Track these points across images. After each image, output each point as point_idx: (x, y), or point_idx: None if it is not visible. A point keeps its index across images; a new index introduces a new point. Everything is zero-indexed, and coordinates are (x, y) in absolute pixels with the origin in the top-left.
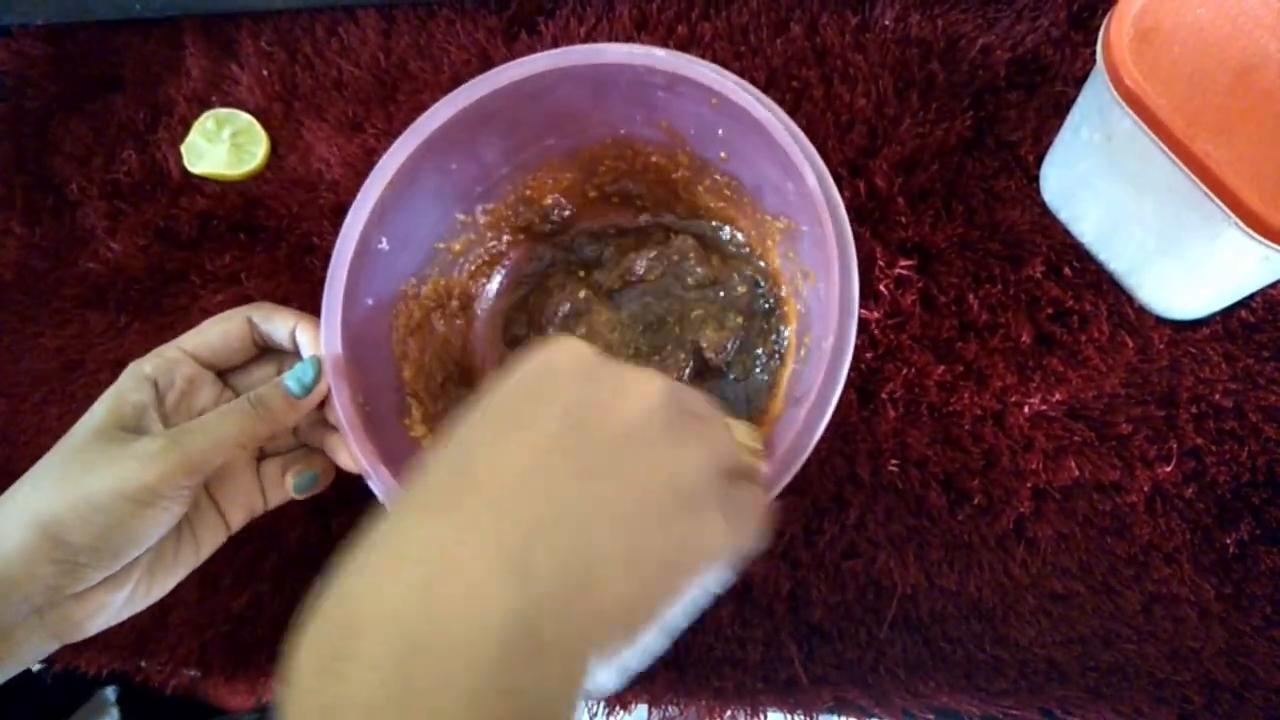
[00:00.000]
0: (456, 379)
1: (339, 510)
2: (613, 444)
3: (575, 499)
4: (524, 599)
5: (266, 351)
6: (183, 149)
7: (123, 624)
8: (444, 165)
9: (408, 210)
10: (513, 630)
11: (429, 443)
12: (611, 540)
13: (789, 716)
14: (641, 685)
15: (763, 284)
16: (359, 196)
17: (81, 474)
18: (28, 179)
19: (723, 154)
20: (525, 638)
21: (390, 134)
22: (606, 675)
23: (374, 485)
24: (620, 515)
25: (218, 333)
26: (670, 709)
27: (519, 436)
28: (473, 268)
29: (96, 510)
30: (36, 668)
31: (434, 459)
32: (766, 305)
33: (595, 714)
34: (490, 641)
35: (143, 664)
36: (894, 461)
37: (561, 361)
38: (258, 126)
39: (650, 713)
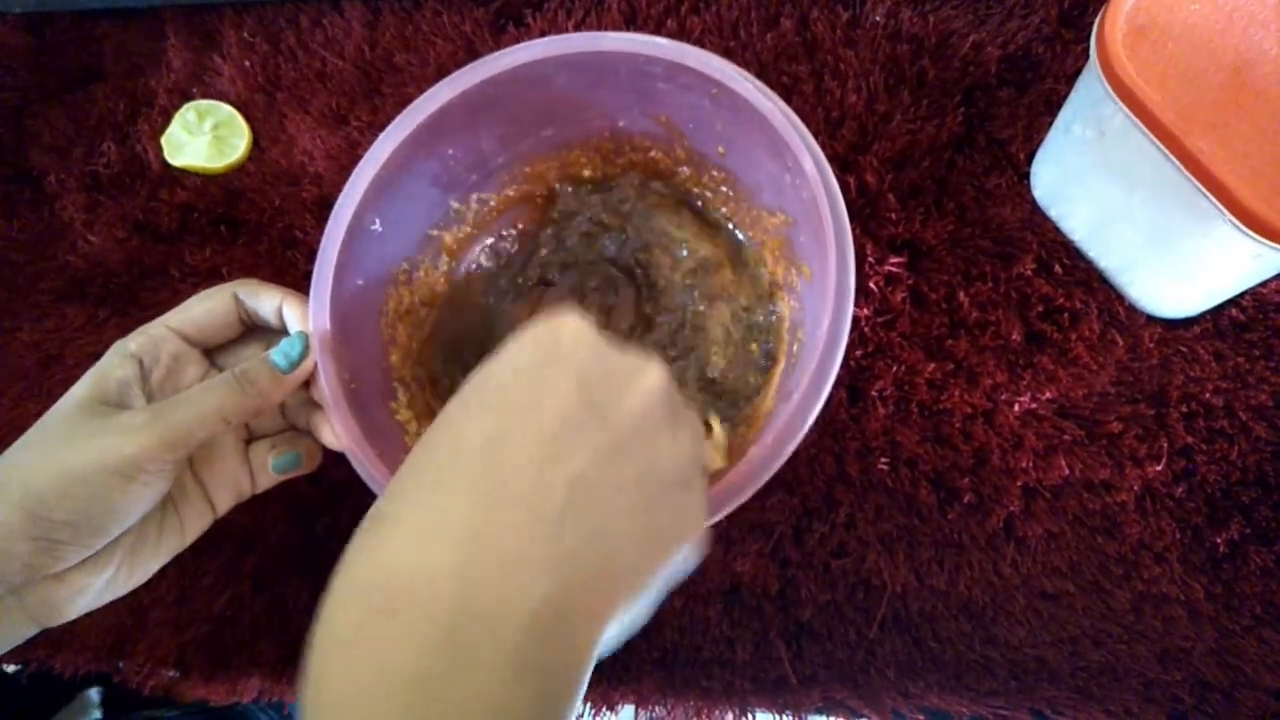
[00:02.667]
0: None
1: (322, 511)
2: (626, 425)
3: (597, 479)
4: (553, 580)
5: (253, 330)
6: (163, 141)
7: (101, 624)
8: (441, 150)
9: (402, 193)
10: (542, 611)
11: (414, 428)
12: (628, 518)
13: (778, 717)
14: (629, 685)
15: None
16: (354, 174)
17: (62, 447)
18: (5, 171)
19: (720, 149)
20: (553, 616)
21: (375, 127)
22: (608, 640)
23: (356, 464)
24: (634, 494)
25: (203, 310)
26: (658, 709)
27: (538, 414)
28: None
29: (76, 483)
30: (11, 669)
31: (452, 426)
32: (761, 316)
33: (581, 715)
34: (521, 622)
35: (121, 664)
36: (884, 460)
37: (567, 336)
38: (239, 118)
39: (637, 713)
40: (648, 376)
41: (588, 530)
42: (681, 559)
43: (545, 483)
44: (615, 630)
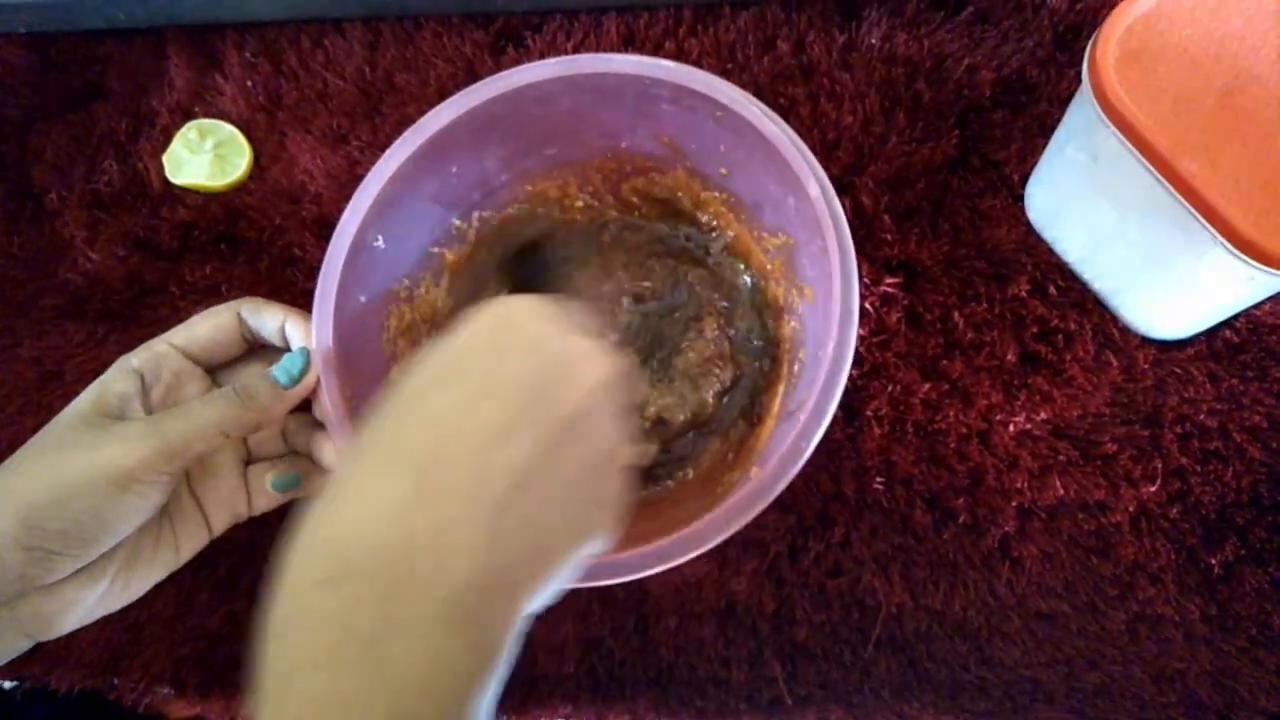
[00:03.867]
0: None
1: None
2: (570, 416)
3: (538, 469)
4: (485, 560)
5: (256, 349)
6: (164, 159)
7: (96, 640)
8: (445, 168)
9: (406, 209)
10: (478, 581)
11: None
12: (564, 508)
13: None
14: (623, 704)
15: (760, 305)
16: (359, 189)
17: (59, 457)
18: (7, 187)
19: (723, 170)
20: (483, 589)
21: (375, 146)
22: (534, 607)
23: None
24: (572, 483)
25: (207, 328)
26: None
27: (486, 400)
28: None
29: (71, 492)
30: (8, 685)
31: (405, 404)
32: (758, 342)
33: None
34: (459, 589)
35: (115, 681)
36: (879, 479)
37: (520, 319)
38: (241, 138)
39: None
40: (597, 366)
41: (524, 517)
42: (603, 541)
43: (487, 471)
44: (541, 600)
